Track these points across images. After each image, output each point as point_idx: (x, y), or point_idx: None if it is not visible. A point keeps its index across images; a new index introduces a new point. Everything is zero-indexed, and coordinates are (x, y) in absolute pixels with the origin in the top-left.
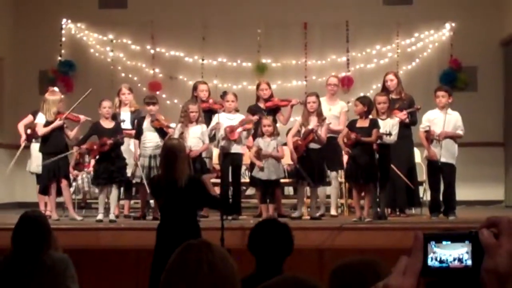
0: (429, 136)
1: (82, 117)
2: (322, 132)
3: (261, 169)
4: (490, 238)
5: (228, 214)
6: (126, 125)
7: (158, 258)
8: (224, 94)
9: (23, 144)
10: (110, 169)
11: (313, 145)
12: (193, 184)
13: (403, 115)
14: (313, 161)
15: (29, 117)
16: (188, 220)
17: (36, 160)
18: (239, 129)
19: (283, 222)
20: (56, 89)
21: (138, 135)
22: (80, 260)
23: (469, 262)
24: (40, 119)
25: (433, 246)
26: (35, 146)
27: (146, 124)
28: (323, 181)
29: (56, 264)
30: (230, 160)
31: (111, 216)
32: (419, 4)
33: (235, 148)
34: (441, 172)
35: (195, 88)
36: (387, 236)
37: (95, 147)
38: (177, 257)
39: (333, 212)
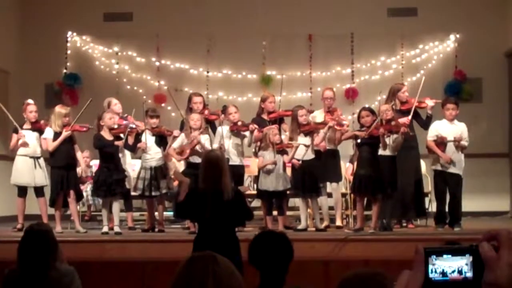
0: (441, 141)
1: (90, 127)
2: (319, 139)
3: (268, 172)
4: (490, 252)
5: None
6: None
7: None
8: (224, 108)
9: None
10: (108, 181)
11: (306, 156)
12: (238, 196)
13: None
14: (305, 172)
15: (13, 136)
16: (230, 233)
17: (19, 173)
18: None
19: (280, 232)
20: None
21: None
22: (85, 273)
23: (469, 274)
24: (48, 133)
25: (434, 259)
26: (18, 159)
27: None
28: (316, 192)
29: (62, 277)
30: (231, 172)
31: (116, 229)
32: (423, 15)
33: (235, 160)
34: (447, 183)
35: (189, 100)
36: (392, 247)
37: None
38: (182, 270)
39: (338, 223)
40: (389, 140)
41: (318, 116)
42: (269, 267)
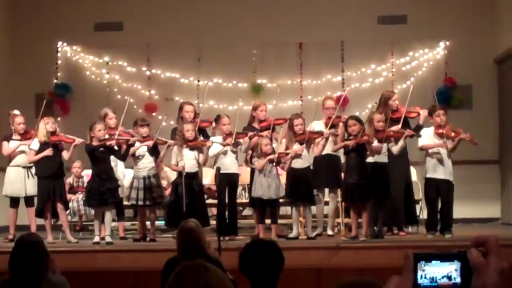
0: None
1: (77, 140)
2: (318, 151)
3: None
4: (479, 258)
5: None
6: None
7: None
8: (218, 117)
9: None
10: (101, 191)
11: (301, 165)
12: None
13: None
14: (300, 181)
15: (4, 144)
16: None
17: (11, 184)
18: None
19: (270, 240)
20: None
21: (125, 156)
22: (77, 283)
23: (458, 280)
24: (33, 145)
25: (423, 265)
26: (11, 170)
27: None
28: (310, 201)
29: (54, 287)
30: (227, 180)
31: (107, 238)
32: (413, 23)
33: (232, 168)
34: (438, 190)
35: (180, 108)
36: (384, 255)
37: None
38: (173, 280)
39: (329, 231)
40: (382, 148)
41: (318, 126)
42: (259, 276)
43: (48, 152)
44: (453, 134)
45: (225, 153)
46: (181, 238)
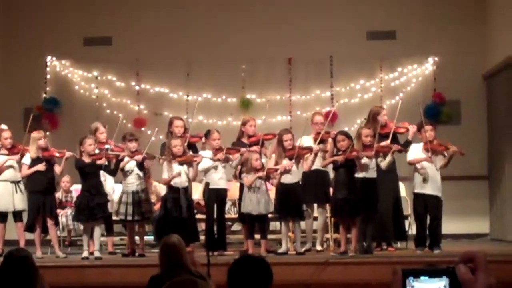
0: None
1: (67, 153)
2: (307, 166)
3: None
4: (467, 274)
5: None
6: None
7: None
8: (208, 132)
9: None
10: (90, 205)
11: (290, 180)
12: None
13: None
14: (290, 196)
15: None
16: None
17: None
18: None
19: (259, 256)
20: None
21: (115, 171)
22: None
23: None
24: (25, 159)
25: (411, 281)
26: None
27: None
28: (299, 216)
29: None
30: (215, 195)
31: (96, 253)
32: (402, 39)
33: (220, 184)
34: (426, 206)
35: (170, 123)
36: (372, 270)
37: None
38: None
39: (318, 247)
40: (371, 163)
41: (307, 141)
42: None
43: (41, 166)
44: (440, 147)
45: (215, 168)
46: (163, 254)
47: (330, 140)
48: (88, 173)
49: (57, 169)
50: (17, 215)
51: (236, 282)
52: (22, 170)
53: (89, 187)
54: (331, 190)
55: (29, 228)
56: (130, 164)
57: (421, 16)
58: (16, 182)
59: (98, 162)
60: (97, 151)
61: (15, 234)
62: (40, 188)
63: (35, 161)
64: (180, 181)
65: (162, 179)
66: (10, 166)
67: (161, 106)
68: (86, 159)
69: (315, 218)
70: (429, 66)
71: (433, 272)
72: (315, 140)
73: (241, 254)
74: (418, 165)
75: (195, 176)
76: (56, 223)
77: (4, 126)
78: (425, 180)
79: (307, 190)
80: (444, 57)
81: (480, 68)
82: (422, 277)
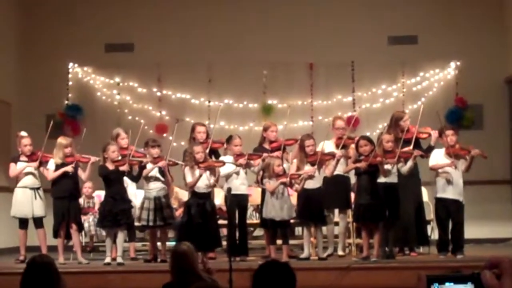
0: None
1: (92, 158)
2: (329, 172)
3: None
4: (492, 280)
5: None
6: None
7: None
8: (230, 138)
9: None
10: (114, 212)
11: (312, 185)
12: None
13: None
14: (312, 201)
15: (12, 165)
16: None
17: (19, 205)
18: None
19: (283, 262)
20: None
21: (138, 178)
22: None
23: None
24: (50, 165)
25: (436, 287)
26: (18, 191)
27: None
28: (321, 222)
29: None
30: (236, 201)
31: (119, 259)
32: (424, 43)
33: (241, 189)
34: (448, 210)
35: (193, 129)
36: (395, 275)
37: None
38: None
39: (340, 252)
40: (392, 168)
41: (329, 146)
42: None
43: (69, 168)
44: (462, 151)
45: (237, 173)
46: (174, 262)
47: (352, 146)
48: (112, 180)
49: (83, 174)
50: (38, 221)
51: (261, 287)
52: (49, 174)
53: (113, 193)
54: (352, 195)
55: (56, 234)
56: (152, 170)
57: (442, 20)
58: (36, 189)
59: (121, 168)
60: (120, 157)
61: (37, 240)
62: (65, 194)
63: (59, 167)
64: (203, 187)
65: (187, 183)
66: (29, 173)
67: (183, 112)
68: (110, 166)
69: (336, 223)
70: (451, 70)
71: (458, 278)
72: (336, 145)
73: (264, 260)
74: (440, 170)
75: (217, 181)
76: (80, 229)
77: (23, 133)
78: (449, 182)
79: (328, 195)
80: (466, 61)
81: (502, 72)
82: (447, 283)
